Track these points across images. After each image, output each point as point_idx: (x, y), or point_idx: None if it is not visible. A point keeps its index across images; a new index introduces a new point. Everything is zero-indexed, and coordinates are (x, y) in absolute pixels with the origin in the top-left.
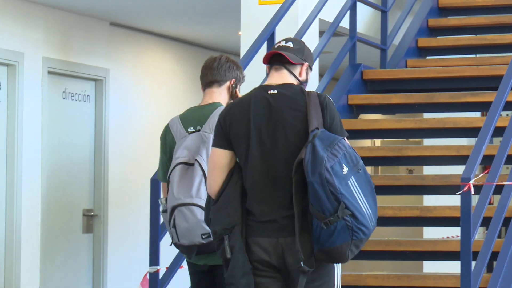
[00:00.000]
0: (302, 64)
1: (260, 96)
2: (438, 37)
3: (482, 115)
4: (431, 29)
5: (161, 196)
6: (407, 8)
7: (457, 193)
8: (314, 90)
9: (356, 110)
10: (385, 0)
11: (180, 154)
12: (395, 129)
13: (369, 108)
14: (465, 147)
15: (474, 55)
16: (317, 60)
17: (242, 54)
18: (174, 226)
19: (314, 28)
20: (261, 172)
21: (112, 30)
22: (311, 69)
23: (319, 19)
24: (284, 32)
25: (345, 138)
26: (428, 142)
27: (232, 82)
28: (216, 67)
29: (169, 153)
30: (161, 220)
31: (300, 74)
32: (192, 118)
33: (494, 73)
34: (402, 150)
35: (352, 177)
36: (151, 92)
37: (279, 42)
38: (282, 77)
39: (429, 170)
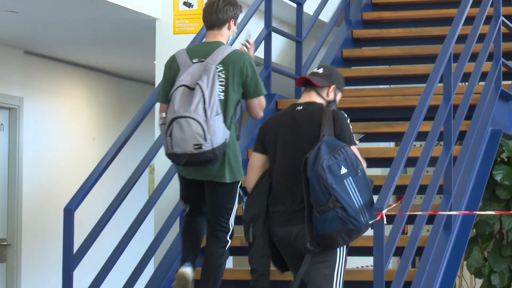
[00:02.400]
0: (329, 87)
1: (289, 112)
2: (352, 67)
3: (396, 145)
4: (346, 59)
5: (162, 114)
6: (322, 39)
7: (370, 223)
8: (333, 108)
9: None
10: (300, 30)
11: (184, 78)
12: None
13: None
14: (379, 177)
15: (387, 86)
16: None
17: (157, 83)
18: (171, 135)
19: None
20: (282, 172)
21: (26, 58)
22: (340, 90)
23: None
24: None
25: (351, 146)
26: None
27: (231, 23)
28: (215, 12)
29: (172, 79)
30: (75, 249)
31: (327, 94)
32: (198, 52)
33: (407, 104)
34: None
35: (350, 177)
36: (65, 121)
37: (314, 68)
38: (310, 97)
39: None
